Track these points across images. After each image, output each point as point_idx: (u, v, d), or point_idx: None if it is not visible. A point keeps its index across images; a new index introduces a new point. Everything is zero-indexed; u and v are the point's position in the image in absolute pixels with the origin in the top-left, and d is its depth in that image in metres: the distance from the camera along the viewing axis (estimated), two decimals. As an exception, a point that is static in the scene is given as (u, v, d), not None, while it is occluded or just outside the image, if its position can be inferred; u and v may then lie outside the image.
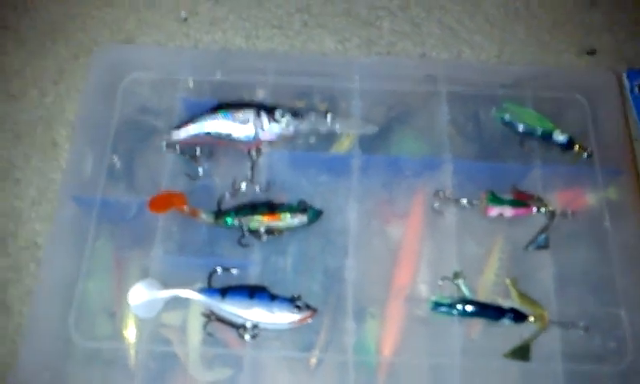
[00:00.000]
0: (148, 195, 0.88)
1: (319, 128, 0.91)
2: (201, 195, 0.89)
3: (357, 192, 0.90)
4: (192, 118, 0.90)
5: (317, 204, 0.88)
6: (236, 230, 0.86)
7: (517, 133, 0.95)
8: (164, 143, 0.90)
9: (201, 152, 0.90)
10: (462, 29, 1.18)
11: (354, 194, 0.90)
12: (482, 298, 0.84)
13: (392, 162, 0.94)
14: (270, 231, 0.85)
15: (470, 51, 1.16)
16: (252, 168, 0.90)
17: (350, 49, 1.16)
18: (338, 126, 0.92)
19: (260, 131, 0.89)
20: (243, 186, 0.89)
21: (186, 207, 0.85)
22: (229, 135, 0.89)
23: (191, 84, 0.98)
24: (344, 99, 0.98)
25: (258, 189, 0.89)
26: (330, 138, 0.94)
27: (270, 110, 0.90)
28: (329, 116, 0.91)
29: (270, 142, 0.91)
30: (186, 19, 1.16)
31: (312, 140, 0.94)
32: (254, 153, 0.90)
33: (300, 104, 0.98)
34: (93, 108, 0.95)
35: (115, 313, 0.82)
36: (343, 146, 0.94)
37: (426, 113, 0.98)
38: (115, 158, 0.92)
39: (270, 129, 0.89)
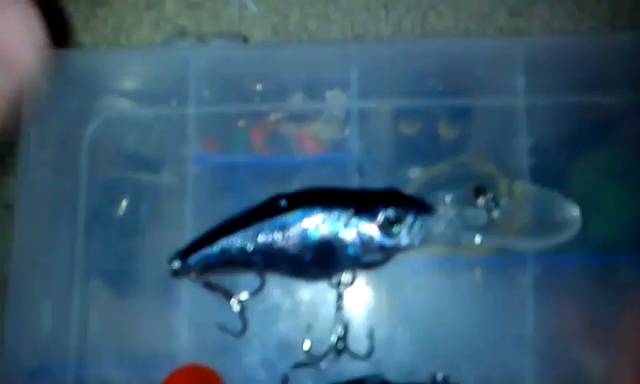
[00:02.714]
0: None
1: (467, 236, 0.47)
2: (244, 363, 0.49)
3: (532, 328, 0.48)
4: (220, 229, 0.47)
5: (467, 370, 0.47)
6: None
7: None
8: (172, 268, 0.48)
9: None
10: None
11: (529, 333, 0.48)
12: None
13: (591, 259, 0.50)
14: None
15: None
16: (339, 309, 0.48)
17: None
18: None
19: (354, 261, 0.45)
20: (332, 341, 0.47)
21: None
22: (296, 256, 0.46)
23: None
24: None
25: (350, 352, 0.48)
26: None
27: (371, 206, 0.45)
28: (482, 200, 0.46)
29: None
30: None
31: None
32: (342, 285, 0.47)
33: (407, 129, 0.53)
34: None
35: None
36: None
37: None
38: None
39: (376, 244, 0.45)
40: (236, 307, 0.48)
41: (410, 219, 0.44)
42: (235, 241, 0.46)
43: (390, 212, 0.44)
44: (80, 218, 0.52)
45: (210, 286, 0.48)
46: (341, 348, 0.47)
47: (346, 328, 0.48)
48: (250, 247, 0.45)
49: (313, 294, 0.50)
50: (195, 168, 0.51)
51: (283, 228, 0.45)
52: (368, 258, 0.45)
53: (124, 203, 0.53)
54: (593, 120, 0.52)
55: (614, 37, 0.54)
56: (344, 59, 0.52)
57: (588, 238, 0.49)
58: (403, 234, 0.44)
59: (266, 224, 0.45)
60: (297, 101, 0.55)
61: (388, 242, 0.45)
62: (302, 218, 0.45)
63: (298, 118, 0.54)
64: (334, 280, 0.47)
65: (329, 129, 0.54)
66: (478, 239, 0.45)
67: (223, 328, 0.48)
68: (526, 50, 0.50)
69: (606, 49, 0.50)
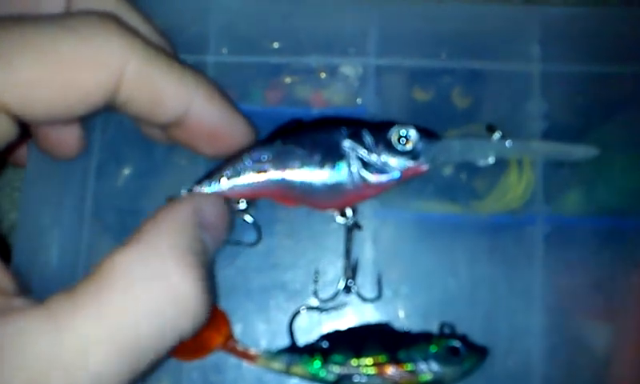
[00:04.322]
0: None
1: (476, 158, 0.47)
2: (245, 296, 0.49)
3: (541, 286, 0.48)
4: (229, 162, 0.46)
5: (473, 322, 0.47)
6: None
7: None
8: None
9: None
10: None
11: (537, 290, 0.48)
12: None
13: (600, 221, 0.50)
14: (392, 392, 0.45)
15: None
16: (347, 249, 0.48)
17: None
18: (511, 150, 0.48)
19: (359, 175, 0.46)
20: (340, 284, 0.48)
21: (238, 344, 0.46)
22: (300, 187, 0.46)
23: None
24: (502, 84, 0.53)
25: (357, 293, 0.48)
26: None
27: (375, 130, 0.46)
28: (497, 135, 0.47)
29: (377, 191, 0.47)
30: None
31: (447, 171, 0.52)
32: (347, 218, 0.48)
33: (421, 95, 0.54)
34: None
35: None
36: (513, 192, 0.51)
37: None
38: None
39: (381, 167, 0.46)
40: (249, 218, 0.48)
41: (415, 136, 0.45)
42: (249, 163, 0.45)
43: (397, 129, 0.45)
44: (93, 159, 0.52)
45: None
46: (350, 285, 0.47)
47: (354, 268, 0.48)
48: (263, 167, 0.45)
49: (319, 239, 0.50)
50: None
51: (294, 156, 0.45)
52: (376, 180, 0.45)
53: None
54: (607, 90, 0.53)
55: (631, 9, 0.55)
56: (362, 18, 0.53)
57: (597, 203, 0.51)
58: (412, 153, 0.45)
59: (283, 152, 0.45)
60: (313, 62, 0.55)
61: (400, 160, 0.45)
62: (311, 140, 0.45)
63: (313, 81, 0.55)
64: (343, 221, 0.48)
65: (343, 94, 0.55)
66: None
67: (237, 242, 0.48)
68: (541, 17, 0.52)
69: (622, 20, 0.52)
